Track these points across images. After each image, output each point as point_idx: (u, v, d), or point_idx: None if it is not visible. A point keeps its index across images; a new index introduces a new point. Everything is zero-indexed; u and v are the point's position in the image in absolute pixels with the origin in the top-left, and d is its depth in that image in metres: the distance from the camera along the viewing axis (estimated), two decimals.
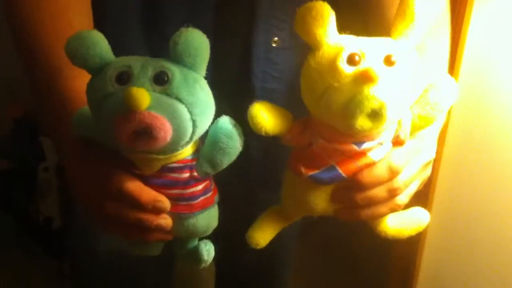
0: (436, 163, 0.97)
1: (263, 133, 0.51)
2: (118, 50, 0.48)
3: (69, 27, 0.58)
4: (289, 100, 0.57)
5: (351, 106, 0.46)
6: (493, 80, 0.91)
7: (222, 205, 0.56)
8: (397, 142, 0.53)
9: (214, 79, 0.52)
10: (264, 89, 0.69)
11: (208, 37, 0.47)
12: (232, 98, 0.61)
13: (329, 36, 0.48)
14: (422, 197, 0.82)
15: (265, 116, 0.51)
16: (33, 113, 1.65)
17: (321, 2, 0.47)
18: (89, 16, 0.63)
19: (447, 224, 1.01)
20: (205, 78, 0.49)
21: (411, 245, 1.05)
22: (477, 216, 0.97)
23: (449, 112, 0.94)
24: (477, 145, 0.95)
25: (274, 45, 0.68)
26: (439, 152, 0.96)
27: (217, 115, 0.51)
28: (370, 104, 0.45)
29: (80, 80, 0.51)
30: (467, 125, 0.95)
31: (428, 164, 0.57)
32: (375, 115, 0.46)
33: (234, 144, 0.51)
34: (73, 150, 0.55)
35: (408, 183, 0.55)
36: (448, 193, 1.00)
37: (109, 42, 0.48)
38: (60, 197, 1.57)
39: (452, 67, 0.90)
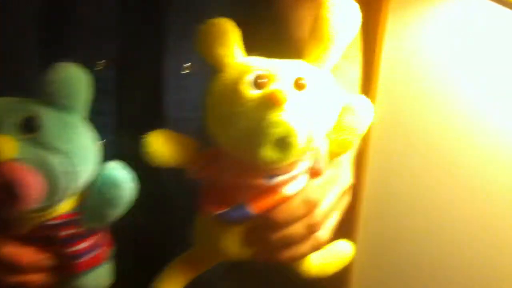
0: (359, 188, 0.93)
1: (159, 164, 0.45)
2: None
3: None
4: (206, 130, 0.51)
5: (255, 134, 0.40)
6: (410, 99, 0.89)
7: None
8: (313, 173, 0.48)
9: (122, 114, 0.48)
10: (177, 119, 0.63)
11: (112, 66, 0.42)
12: (143, 132, 0.55)
13: (234, 56, 0.43)
14: (346, 227, 0.78)
15: (161, 146, 0.45)
16: None
17: (224, 19, 0.42)
18: None
19: (375, 252, 0.98)
20: (111, 113, 0.45)
21: (338, 280, 1.00)
22: (405, 242, 0.94)
23: (368, 134, 0.93)
24: (400, 166, 0.93)
25: (186, 71, 0.62)
26: (361, 177, 0.93)
27: (127, 152, 0.45)
28: (277, 131, 0.40)
29: None
30: (388, 147, 0.93)
31: (346, 191, 0.53)
32: (283, 144, 0.41)
33: (123, 194, 0.44)
34: None
35: (328, 216, 0.50)
36: (374, 219, 0.97)
37: None
38: None
39: (368, 88, 0.88)
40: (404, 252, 0.95)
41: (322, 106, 0.43)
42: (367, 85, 0.86)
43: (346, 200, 0.53)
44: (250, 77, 0.41)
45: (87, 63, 0.45)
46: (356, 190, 0.92)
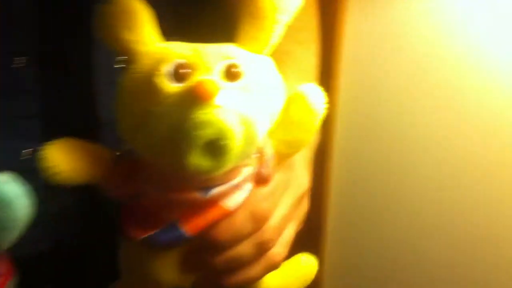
0: (323, 192, 0.86)
1: (58, 181, 0.36)
2: None
3: None
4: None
5: (179, 137, 0.32)
6: (377, 88, 0.82)
7: None
8: (259, 180, 0.39)
9: (47, 117, 0.43)
10: (111, 120, 0.54)
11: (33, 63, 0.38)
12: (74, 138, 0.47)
13: (147, 43, 0.34)
14: (310, 238, 0.69)
15: (62, 159, 0.36)
16: None
17: None
18: None
19: (346, 263, 0.90)
20: (35, 116, 0.40)
21: None
22: (379, 248, 0.87)
23: (330, 128, 0.86)
24: (368, 163, 0.86)
25: (120, 65, 0.53)
26: (326, 179, 0.85)
27: None
28: (206, 133, 0.32)
29: None
30: (354, 143, 0.86)
31: (302, 197, 0.44)
32: (216, 148, 0.33)
33: (15, 215, 0.35)
34: None
35: (282, 230, 0.42)
36: (344, 225, 0.89)
37: None
38: None
39: (329, 77, 0.80)
40: (378, 259, 0.88)
41: (263, 98, 0.35)
42: (327, 74, 0.79)
43: (304, 208, 0.45)
44: (168, 67, 0.33)
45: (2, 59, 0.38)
46: (319, 194, 0.85)
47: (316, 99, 0.39)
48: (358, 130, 0.85)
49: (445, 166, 0.78)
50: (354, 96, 0.84)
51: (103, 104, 0.54)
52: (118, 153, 0.38)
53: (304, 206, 0.45)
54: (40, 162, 0.35)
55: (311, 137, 0.40)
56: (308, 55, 0.56)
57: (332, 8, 0.80)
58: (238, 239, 0.39)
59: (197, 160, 0.33)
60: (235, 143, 0.33)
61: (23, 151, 0.45)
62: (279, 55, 0.38)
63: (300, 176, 0.44)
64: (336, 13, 0.80)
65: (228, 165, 0.35)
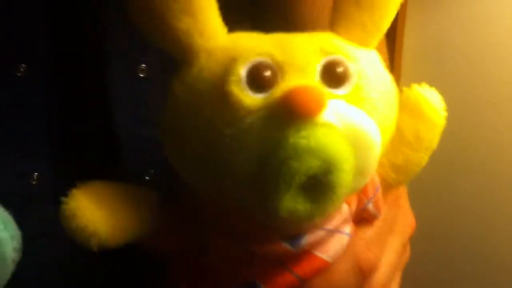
0: None
1: (94, 246, 0.25)
2: None
3: None
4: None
5: (265, 172, 0.22)
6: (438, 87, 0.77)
7: None
8: (363, 219, 0.29)
9: (57, 136, 0.35)
10: (132, 138, 0.45)
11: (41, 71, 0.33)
12: (91, 158, 0.39)
13: (211, 34, 0.24)
14: None
15: (95, 212, 0.25)
16: None
17: None
18: None
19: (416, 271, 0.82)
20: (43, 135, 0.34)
21: None
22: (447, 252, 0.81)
23: None
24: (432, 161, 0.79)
25: (141, 74, 0.43)
26: None
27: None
28: (307, 164, 0.21)
29: None
30: None
31: (408, 240, 0.34)
32: (319, 186, 0.22)
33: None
34: None
35: (390, 283, 0.31)
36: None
37: None
38: None
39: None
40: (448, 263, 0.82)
41: (377, 109, 0.25)
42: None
43: (408, 254, 0.34)
44: (243, 70, 0.23)
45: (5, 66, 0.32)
46: None
47: (438, 105, 0.29)
48: None
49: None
50: None
51: (122, 119, 0.44)
52: (171, 195, 0.28)
53: (408, 252, 0.35)
54: (65, 220, 0.25)
55: (427, 158, 0.30)
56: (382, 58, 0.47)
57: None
58: None
59: (293, 203, 0.22)
60: (348, 177, 0.22)
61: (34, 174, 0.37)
62: None
63: (407, 215, 0.34)
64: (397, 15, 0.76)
65: (335, 207, 0.24)
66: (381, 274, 0.30)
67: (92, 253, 0.38)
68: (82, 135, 0.41)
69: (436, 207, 0.81)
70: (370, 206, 0.29)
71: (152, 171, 0.39)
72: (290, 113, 0.21)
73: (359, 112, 0.23)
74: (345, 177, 0.22)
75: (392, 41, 0.74)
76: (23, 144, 0.37)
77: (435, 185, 0.80)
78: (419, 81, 0.85)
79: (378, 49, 0.51)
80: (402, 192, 0.34)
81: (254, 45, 0.23)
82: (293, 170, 0.21)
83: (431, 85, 0.84)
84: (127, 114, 0.44)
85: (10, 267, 0.28)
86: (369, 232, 0.29)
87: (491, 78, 0.73)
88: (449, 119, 0.81)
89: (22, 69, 0.37)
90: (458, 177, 0.79)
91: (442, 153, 0.76)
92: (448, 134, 0.79)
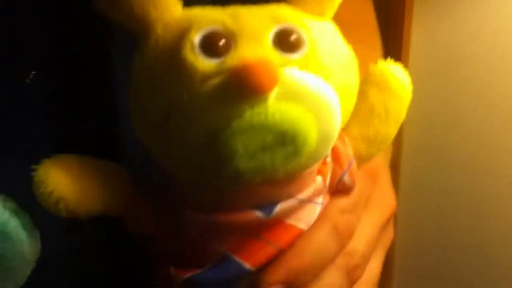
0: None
1: (61, 212, 0.26)
2: None
3: None
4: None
5: (222, 138, 0.22)
6: (445, 88, 0.75)
7: None
8: (339, 191, 0.29)
9: (61, 139, 0.36)
10: (135, 140, 0.45)
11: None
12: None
13: (167, 9, 0.25)
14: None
15: (62, 181, 0.26)
16: None
17: None
18: None
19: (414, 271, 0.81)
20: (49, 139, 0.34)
21: None
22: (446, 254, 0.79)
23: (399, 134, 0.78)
24: (435, 161, 0.78)
25: None
26: (395, 176, 0.78)
27: None
28: (263, 138, 0.22)
29: None
30: (424, 143, 0.78)
31: (389, 220, 0.34)
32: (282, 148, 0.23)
33: (14, 249, 0.27)
34: None
35: (369, 257, 0.31)
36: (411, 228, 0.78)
37: None
38: None
39: None
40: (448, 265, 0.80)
41: (333, 76, 0.25)
42: None
43: (390, 236, 0.34)
44: (196, 38, 0.23)
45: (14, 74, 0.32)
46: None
47: (403, 78, 0.29)
48: (426, 131, 0.79)
49: None
50: (422, 100, 0.77)
51: (126, 122, 0.45)
52: (143, 175, 0.29)
53: (390, 233, 0.35)
54: (35, 186, 0.26)
55: (396, 130, 0.30)
56: (373, 56, 0.48)
57: (399, 7, 0.75)
58: (321, 265, 0.28)
59: (252, 163, 0.23)
60: (309, 147, 0.23)
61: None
62: None
63: (386, 194, 0.34)
64: (403, 13, 0.76)
65: (298, 171, 0.25)
66: (358, 244, 0.30)
67: (92, 253, 0.39)
68: (84, 136, 0.42)
69: (435, 206, 0.81)
70: (346, 178, 0.29)
71: (155, 175, 0.40)
72: (244, 89, 0.21)
73: (314, 78, 0.24)
74: (306, 148, 0.23)
75: (399, 45, 0.75)
76: (25, 145, 0.38)
77: (436, 185, 0.80)
78: (426, 84, 0.85)
79: (371, 46, 0.51)
80: (382, 172, 0.34)
81: (208, 14, 0.24)
82: (249, 142, 0.22)
83: (438, 88, 0.85)
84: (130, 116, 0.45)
85: (26, 260, 0.29)
86: (344, 201, 0.30)
87: (498, 81, 0.72)
88: (457, 120, 0.81)
89: (22, 69, 0.38)
90: (464, 177, 0.78)
91: (452, 154, 0.76)
92: (457, 135, 0.78)
